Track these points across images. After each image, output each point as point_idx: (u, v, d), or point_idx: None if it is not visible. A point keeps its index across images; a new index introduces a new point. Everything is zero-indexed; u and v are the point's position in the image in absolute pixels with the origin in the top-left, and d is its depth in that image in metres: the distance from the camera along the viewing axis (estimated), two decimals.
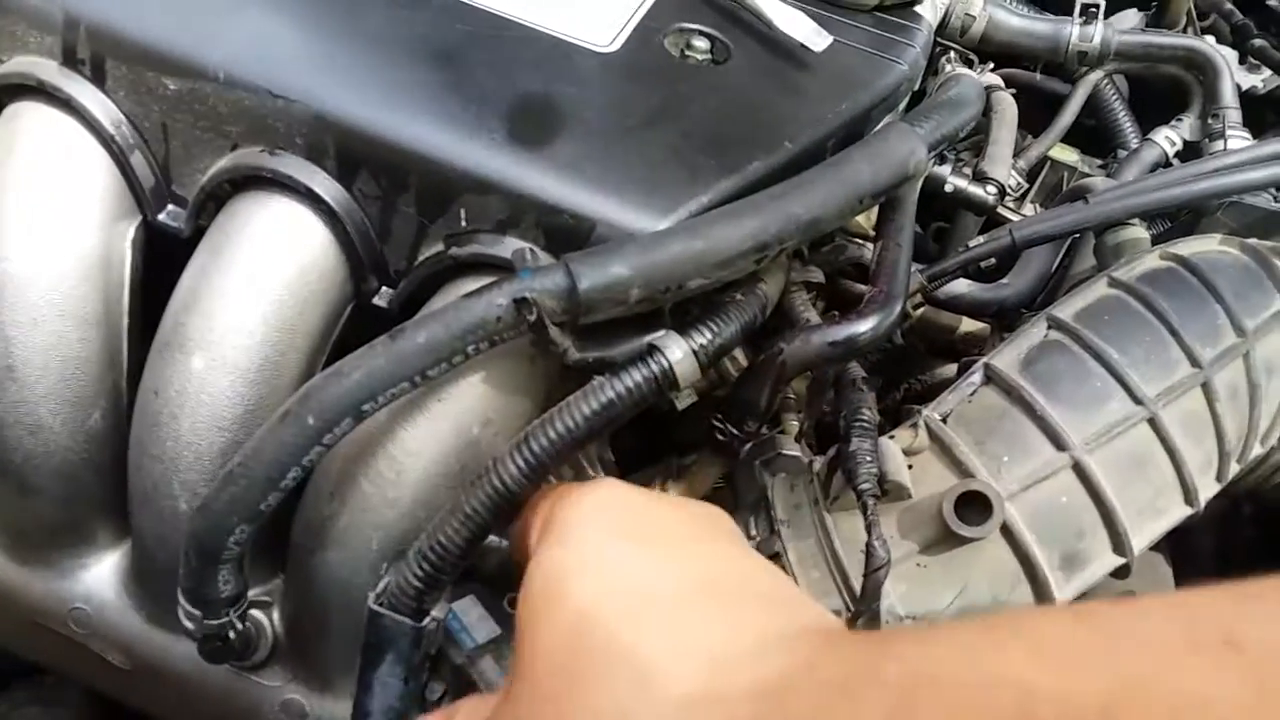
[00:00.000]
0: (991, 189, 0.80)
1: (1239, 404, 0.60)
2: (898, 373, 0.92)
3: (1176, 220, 0.83)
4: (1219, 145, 0.88)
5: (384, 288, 0.60)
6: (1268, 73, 1.04)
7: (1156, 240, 0.73)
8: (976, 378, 0.61)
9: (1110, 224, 0.71)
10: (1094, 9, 0.93)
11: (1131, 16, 1.05)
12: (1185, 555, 0.71)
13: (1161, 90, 1.01)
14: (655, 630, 0.36)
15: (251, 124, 0.57)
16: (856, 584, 0.55)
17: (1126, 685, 0.25)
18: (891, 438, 0.59)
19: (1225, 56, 0.95)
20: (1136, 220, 0.74)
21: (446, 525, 0.50)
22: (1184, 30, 1.06)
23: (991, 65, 0.93)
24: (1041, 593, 0.55)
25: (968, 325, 0.88)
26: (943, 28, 0.91)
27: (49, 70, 0.59)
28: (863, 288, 0.67)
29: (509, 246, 0.55)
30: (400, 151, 0.55)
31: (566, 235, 0.55)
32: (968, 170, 0.84)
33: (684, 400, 0.57)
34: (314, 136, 0.56)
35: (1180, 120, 0.94)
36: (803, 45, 0.66)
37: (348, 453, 0.56)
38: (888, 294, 0.57)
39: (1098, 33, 0.95)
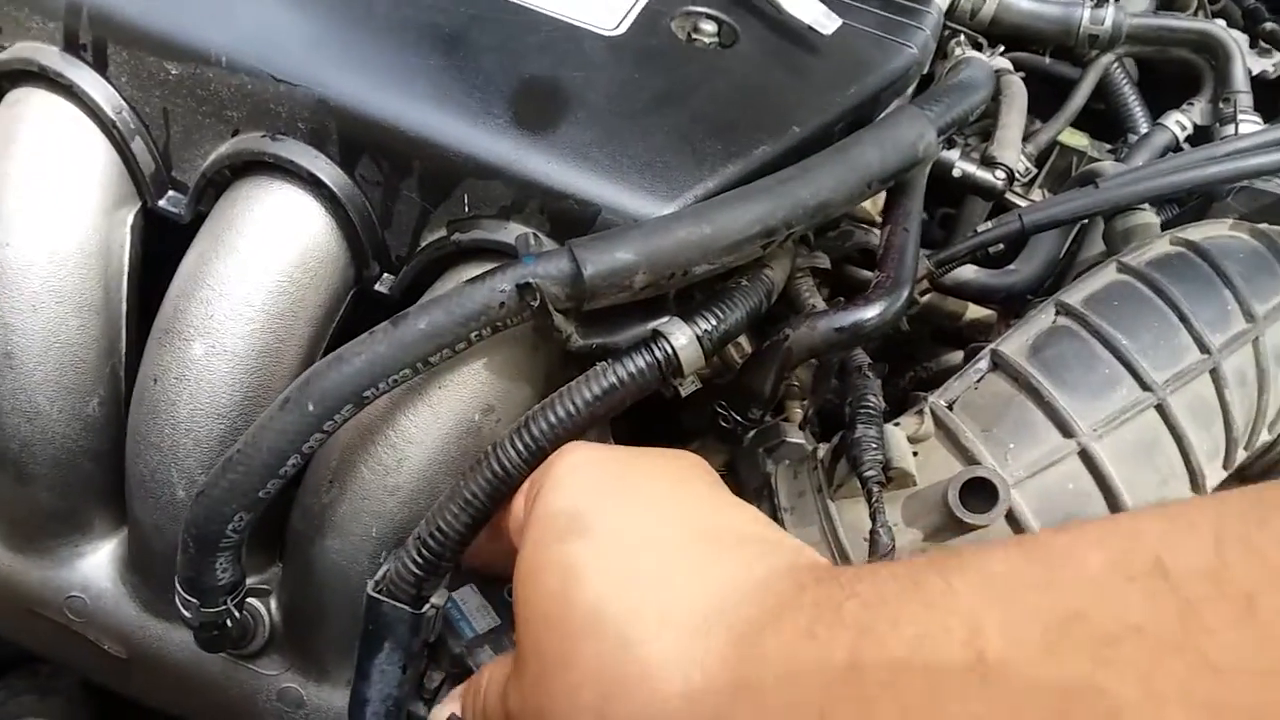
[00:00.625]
0: (1000, 174, 0.79)
1: (1248, 390, 0.59)
2: (904, 359, 0.91)
3: (1187, 206, 0.82)
4: (1230, 129, 0.87)
5: (386, 274, 0.59)
6: (1279, 57, 1.02)
7: (1167, 226, 0.72)
8: (983, 364, 0.60)
9: (1120, 209, 0.70)
10: None
11: None
12: None
13: (1172, 74, 0.99)
14: (639, 587, 0.38)
15: (253, 109, 0.56)
16: None
17: (1066, 618, 0.26)
18: (897, 425, 0.58)
19: (1237, 40, 0.94)
20: (1146, 205, 0.74)
21: (446, 511, 0.49)
22: (1195, 14, 1.05)
23: (1001, 49, 0.92)
24: None
25: (974, 312, 0.87)
26: (952, 11, 0.90)
27: (50, 56, 0.58)
28: (869, 274, 0.66)
29: (512, 232, 0.54)
30: (403, 136, 0.54)
31: (571, 221, 0.54)
32: (976, 155, 0.83)
33: (688, 387, 0.56)
34: (316, 121, 0.55)
35: (1191, 104, 0.92)
36: (811, 28, 0.65)
37: (348, 440, 0.56)
38: (895, 279, 0.57)
39: (1109, 15, 0.93)
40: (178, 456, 0.56)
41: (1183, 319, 0.59)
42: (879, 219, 0.69)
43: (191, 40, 0.56)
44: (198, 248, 0.57)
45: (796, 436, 0.69)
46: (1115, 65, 0.97)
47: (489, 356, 0.55)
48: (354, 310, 0.60)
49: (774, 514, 0.61)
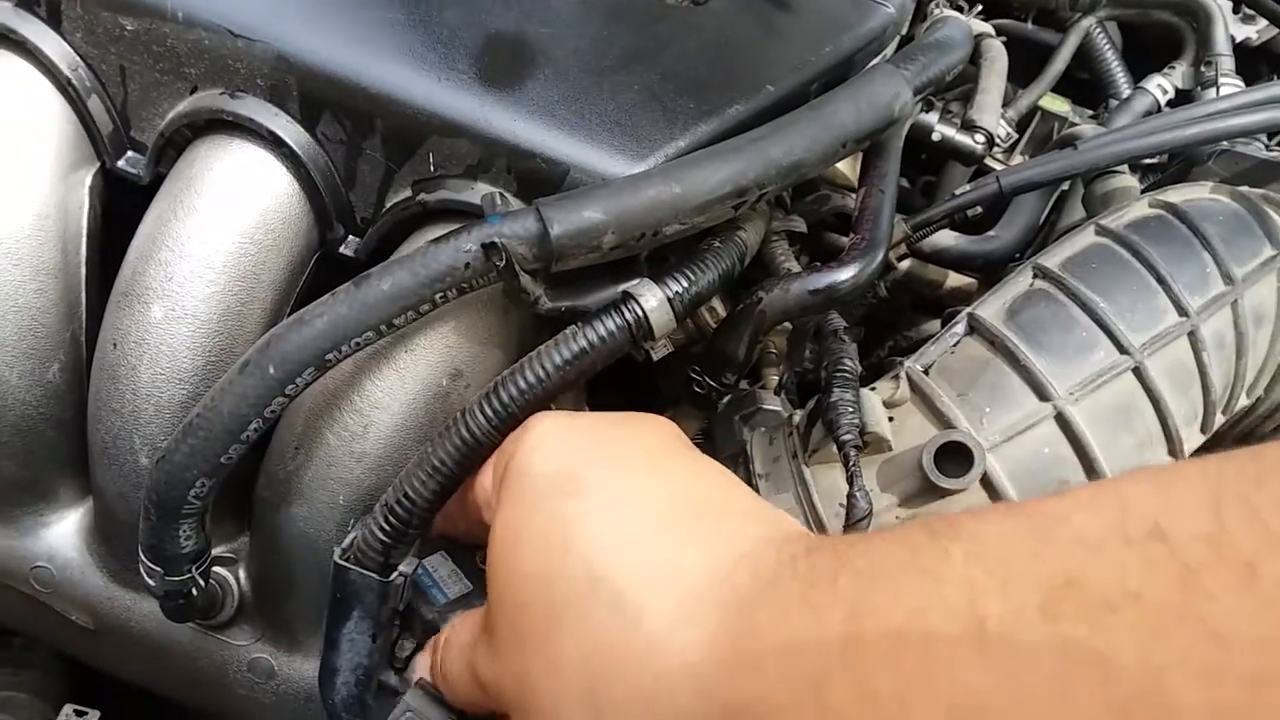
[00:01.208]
0: (980, 138, 0.78)
1: (1226, 354, 0.58)
2: (885, 328, 0.90)
3: (1167, 171, 0.81)
4: (1211, 93, 0.86)
5: (351, 236, 0.58)
6: (1262, 24, 1.01)
7: (1148, 191, 0.71)
8: (960, 328, 0.59)
9: (1099, 171, 0.70)
10: None
11: None
12: None
13: (1155, 39, 0.99)
14: (628, 555, 0.37)
15: (211, 65, 0.55)
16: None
17: (1064, 583, 0.26)
18: (873, 389, 0.58)
19: (1219, 2, 0.93)
20: (1125, 169, 0.73)
21: (413, 478, 0.48)
22: None
23: (980, 8, 0.90)
24: None
25: (954, 280, 0.87)
26: None
27: (3, 12, 0.57)
28: (847, 239, 0.66)
29: (479, 192, 0.53)
30: (365, 93, 0.53)
31: (539, 180, 0.53)
32: (956, 119, 0.82)
33: (659, 351, 0.55)
34: (276, 78, 0.54)
35: (1173, 68, 0.92)
36: None
37: (312, 405, 0.54)
38: (870, 241, 0.56)
39: None
40: (139, 422, 0.55)
41: (1161, 281, 0.58)
42: (857, 184, 0.68)
43: None
44: (156, 209, 0.56)
45: (773, 404, 0.68)
46: (1097, 29, 0.95)
47: (457, 320, 0.54)
48: (319, 274, 0.58)
49: (749, 481, 0.60)
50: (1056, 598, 0.26)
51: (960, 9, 0.86)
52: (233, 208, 0.54)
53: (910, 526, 0.32)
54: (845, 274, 0.55)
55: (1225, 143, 0.74)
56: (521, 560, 0.39)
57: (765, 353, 0.72)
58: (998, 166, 0.86)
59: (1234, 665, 0.23)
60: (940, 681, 0.27)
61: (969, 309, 0.60)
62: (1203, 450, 0.61)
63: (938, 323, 0.84)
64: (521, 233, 0.49)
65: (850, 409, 0.54)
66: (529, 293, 0.51)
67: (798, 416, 0.60)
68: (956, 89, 0.91)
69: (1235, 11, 1.00)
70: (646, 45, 0.58)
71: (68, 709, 0.74)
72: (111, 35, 0.56)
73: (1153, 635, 0.24)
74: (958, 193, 0.68)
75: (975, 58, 0.87)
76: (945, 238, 0.79)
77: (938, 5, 0.84)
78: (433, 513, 0.49)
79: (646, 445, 0.44)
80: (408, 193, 0.55)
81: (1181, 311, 0.57)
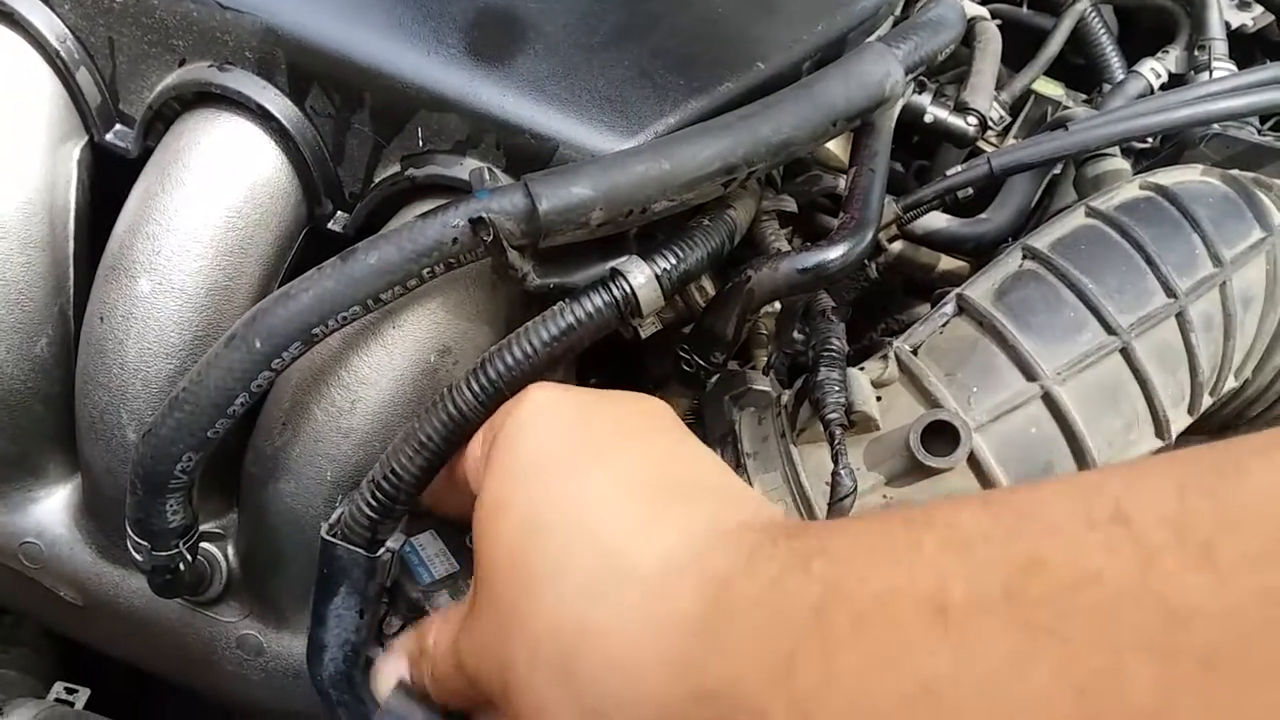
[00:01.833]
0: (972, 120, 0.78)
1: (1214, 335, 0.58)
2: (875, 312, 0.90)
3: (1159, 155, 0.81)
4: (1204, 77, 0.86)
5: (339, 212, 0.58)
6: (1258, 10, 1.01)
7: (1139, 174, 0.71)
8: (949, 308, 0.59)
9: (1090, 153, 0.70)
10: None
11: None
12: None
13: (1148, 24, 0.98)
14: (605, 536, 0.37)
15: (199, 37, 0.54)
16: (821, 515, 0.54)
17: (1027, 566, 0.26)
18: (861, 369, 0.58)
19: None
20: (1117, 152, 0.73)
21: (400, 454, 0.48)
22: None
23: None
24: None
25: (946, 263, 0.86)
26: None
27: None
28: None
29: (467, 167, 0.53)
30: (354, 66, 0.53)
31: (528, 156, 0.53)
32: (949, 102, 0.81)
33: (647, 328, 0.55)
34: (264, 50, 0.54)
35: (1166, 52, 0.91)
36: None
37: (300, 380, 0.54)
38: (859, 220, 0.56)
39: None
40: (126, 397, 0.55)
41: (1150, 262, 0.58)
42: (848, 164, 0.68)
43: None
44: (144, 182, 0.55)
45: (762, 384, 0.68)
46: (1091, 13, 0.95)
47: (446, 296, 0.54)
48: (307, 250, 0.58)
49: (737, 460, 0.61)
50: (1019, 580, 0.26)
51: None
52: (220, 181, 0.54)
53: (887, 515, 0.33)
54: (835, 253, 0.54)
55: (1217, 126, 0.74)
56: (503, 534, 0.39)
57: (755, 334, 0.72)
58: (990, 150, 0.85)
59: (1188, 642, 0.23)
60: (902, 662, 0.27)
61: (958, 289, 0.60)
62: (1191, 433, 0.61)
63: (929, 306, 0.84)
64: (509, 208, 0.49)
65: (836, 388, 0.54)
66: (517, 269, 0.51)
67: (786, 397, 0.61)
68: (950, 72, 0.91)
69: None
70: (637, 21, 0.58)
71: (58, 686, 0.74)
72: (100, 7, 0.55)
73: (1111, 615, 0.24)
74: (949, 174, 0.68)
75: (969, 40, 0.87)
76: (937, 220, 0.79)
77: None
78: (419, 488, 0.49)
79: (636, 423, 0.44)
80: (396, 168, 0.55)
81: (1170, 293, 0.57)
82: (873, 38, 0.68)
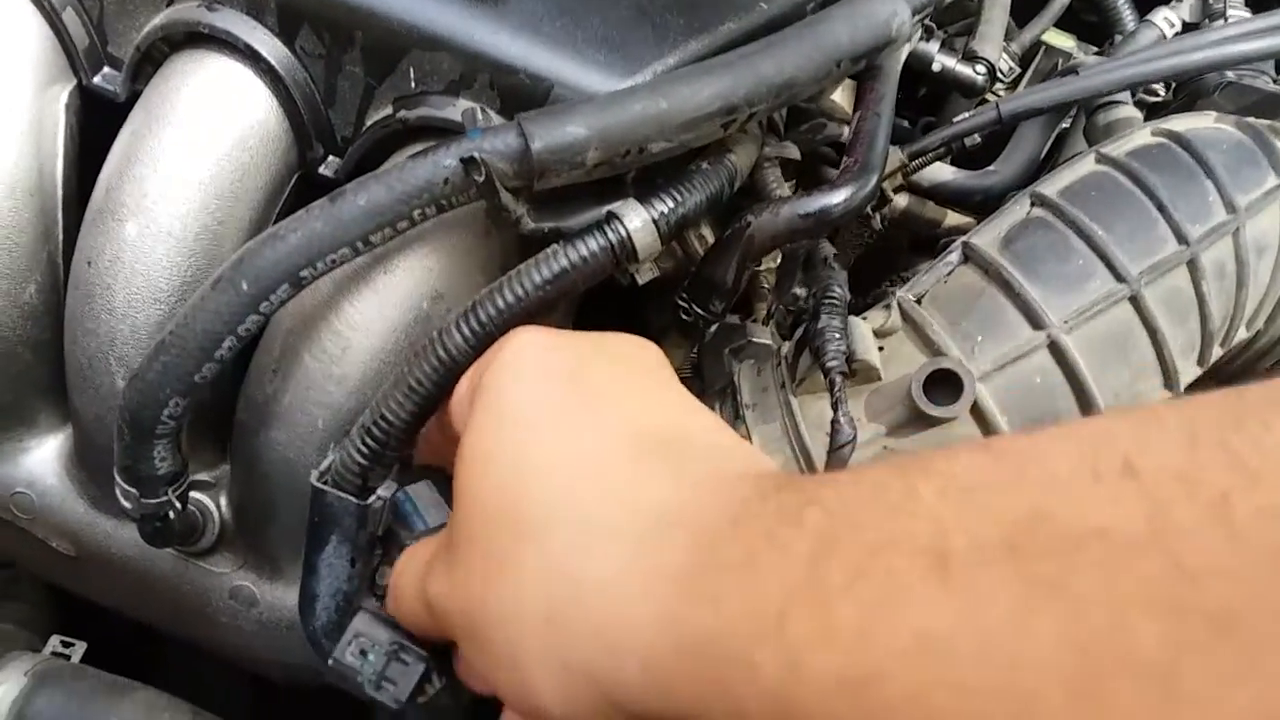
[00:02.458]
0: (981, 69, 0.76)
1: (1226, 284, 0.57)
2: (881, 268, 0.89)
3: (1171, 106, 0.79)
4: (1220, 24, 0.84)
5: (331, 156, 0.56)
6: None
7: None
8: (954, 257, 0.58)
9: (1101, 100, 0.68)
10: None
11: None
12: None
13: None
14: (594, 485, 0.36)
15: None
16: (821, 467, 0.53)
17: (1030, 518, 0.25)
18: (863, 318, 0.57)
19: None
20: (1129, 100, 0.71)
21: (390, 399, 0.47)
22: None
23: None
24: None
25: (953, 219, 0.85)
26: None
27: None
28: None
29: (461, 109, 0.52)
30: (344, 5, 0.51)
31: (522, 97, 0.51)
32: (958, 52, 0.80)
33: (644, 275, 0.54)
34: None
35: (1180, 0, 0.89)
36: None
37: (290, 326, 0.53)
38: (863, 164, 0.54)
39: None
40: (115, 344, 0.54)
41: (1161, 209, 0.56)
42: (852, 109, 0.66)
43: None
44: (131, 124, 0.54)
45: (763, 337, 0.67)
46: None
47: (439, 241, 0.53)
48: (298, 197, 0.57)
49: (736, 412, 0.60)
50: (1021, 533, 0.25)
51: None
52: (209, 124, 0.53)
53: (882, 465, 0.32)
54: (837, 197, 0.53)
55: (1231, 75, 0.72)
56: (488, 480, 0.38)
57: (756, 287, 0.70)
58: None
59: (1199, 600, 0.22)
60: (900, 614, 0.26)
61: (964, 238, 0.59)
62: (1201, 385, 0.60)
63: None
64: (502, 148, 0.47)
65: (837, 335, 0.52)
66: (510, 211, 0.49)
67: (786, 348, 0.59)
68: (958, 22, 0.89)
69: None
70: None
71: (54, 640, 0.74)
72: None
73: (1117, 571, 0.23)
74: (955, 120, 0.66)
75: None
76: (944, 172, 0.78)
77: None
78: (410, 434, 0.48)
79: (627, 371, 0.43)
80: (388, 110, 0.54)
81: (1181, 239, 0.56)
82: None
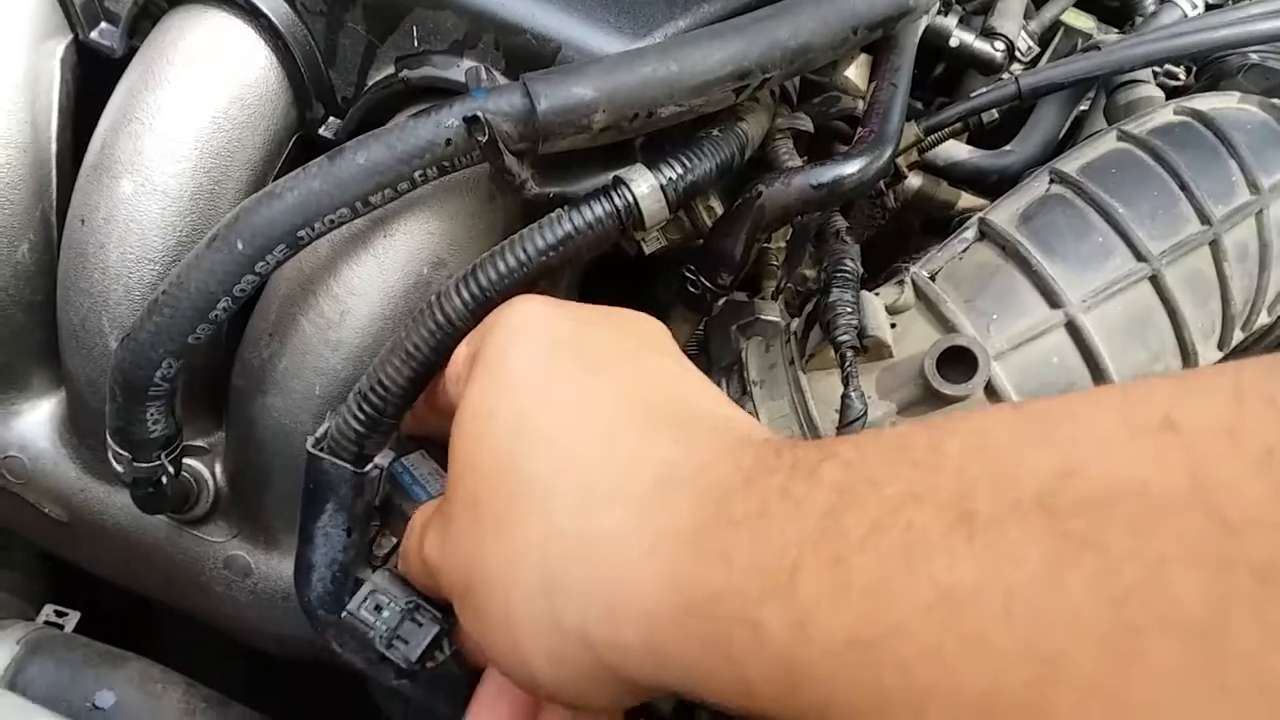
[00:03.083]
0: (1000, 46, 0.74)
1: (1248, 266, 0.55)
2: (893, 253, 0.87)
3: (1193, 89, 0.78)
4: (1245, 2, 0.82)
5: (331, 117, 0.55)
6: None
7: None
8: (970, 233, 0.57)
9: (1122, 79, 0.66)
10: None
11: None
12: None
13: None
14: (599, 446, 0.35)
15: None
16: None
17: (1062, 474, 0.24)
18: (876, 294, 0.55)
19: None
20: (1150, 80, 0.69)
21: (387, 364, 0.46)
22: None
23: None
24: None
25: (966, 201, 0.83)
26: None
27: None
28: None
29: (464, 69, 0.50)
30: None
31: (528, 58, 0.50)
32: (976, 29, 0.78)
33: (651, 244, 0.53)
34: None
35: None
36: None
37: (288, 290, 0.52)
38: (879, 135, 0.53)
39: None
40: (108, 304, 0.53)
41: (1184, 188, 0.55)
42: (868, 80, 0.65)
43: None
44: (128, 80, 0.53)
45: (771, 314, 0.65)
46: None
47: (440, 206, 0.52)
48: (297, 157, 0.56)
49: (743, 388, 0.58)
50: (1053, 489, 0.24)
51: None
52: (207, 81, 0.52)
53: (905, 425, 0.30)
54: (851, 168, 0.52)
55: (1255, 57, 0.70)
56: (489, 439, 0.37)
57: (765, 264, 0.69)
58: None
59: (1243, 554, 0.21)
60: (920, 571, 0.25)
61: (980, 214, 0.57)
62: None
63: None
64: (507, 108, 0.46)
65: (849, 309, 0.51)
66: (514, 175, 0.48)
67: (795, 323, 0.58)
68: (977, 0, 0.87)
69: None
70: None
71: (48, 609, 0.73)
72: None
73: (1156, 525, 0.22)
74: (974, 94, 0.65)
75: None
76: (959, 151, 0.76)
77: None
78: (407, 400, 0.47)
79: (632, 343, 0.42)
80: (390, 70, 0.52)
81: (1204, 220, 0.54)
82: None
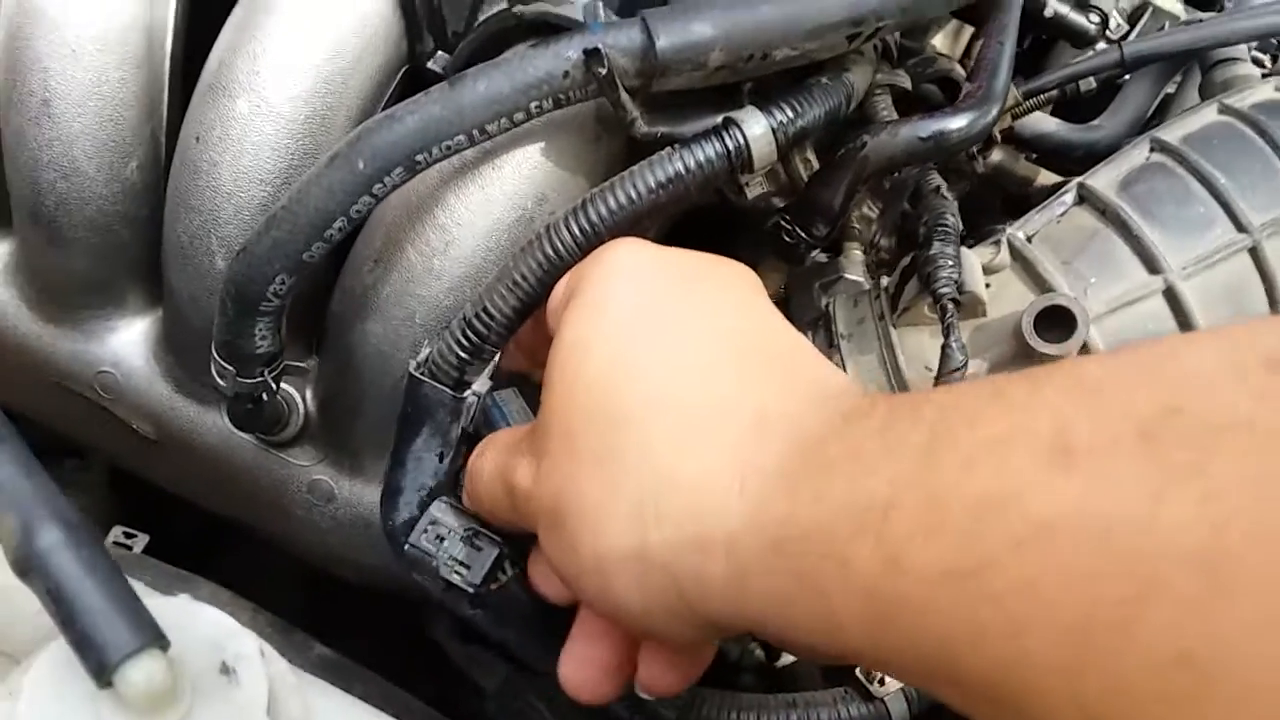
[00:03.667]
0: (1094, 18, 0.74)
1: None
2: (970, 230, 0.87)
3: None
4: None
5: (440, 51, 0.56)
6: None
7: None
8: (1068, 197, 0.57)
9: (1219, 55, 0.66)
10: None
11: None
12: None
13: None
14: (695, 385, 0.36)
15: None
16: None
17: (1166, 412, 0.24)
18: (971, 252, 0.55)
19: None
20: (1247, 58, 0.69)
21: (493, 293, 0.47)
22: None
23: None
24: None
25: (1045, 178, 0.83)
26: None
27: None
28: None
29: (579, 5, 0.50)
30: None
31: None
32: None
33: (754, 189, 0.53)
34: None
35: None
36: None
37: (394, 219, 0.53)
38: (987, 92, 0.53)
39: None
40: (218, 222, 0.54)
41: None
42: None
43: None
44: (246, 3, 0.54)
45: (854, 273, 0.66)
46: None
47: (548, 144, 0.52)
48: (404, 90, 0.56)
49: (830, 342, 0.59)
50: (1156, 424, 0.24)
51: None
52: (324, 9, 0.52)
53: (1003, 375, 0.30)
54: (958, 122, 0.52)
55: None
56: (588, 371, 0.37)
57: (848, 227, 0.69)
58: None
59: None
60: (1017, 503, 0.25)
61: (1079, 179, 0.57)
62: None
63: None
64: (625, 43, 0.46)
65: (950, 262, 0.51)
66: (627, 111, 0.48)
67: (887, 280, 0.58)
68: None
69: None
70: None
71: (116, 530, 0.75)
72: None
73: (1261, 460, 0.22)
74: (1074, 60, 0.64)
75: None
76: (1048, 123, 0.76)
77: None
78: (510, 330, 0.47)
79: (731, 287, 0.42)
80: (502, 4, 0.53)
81: None
82: None
